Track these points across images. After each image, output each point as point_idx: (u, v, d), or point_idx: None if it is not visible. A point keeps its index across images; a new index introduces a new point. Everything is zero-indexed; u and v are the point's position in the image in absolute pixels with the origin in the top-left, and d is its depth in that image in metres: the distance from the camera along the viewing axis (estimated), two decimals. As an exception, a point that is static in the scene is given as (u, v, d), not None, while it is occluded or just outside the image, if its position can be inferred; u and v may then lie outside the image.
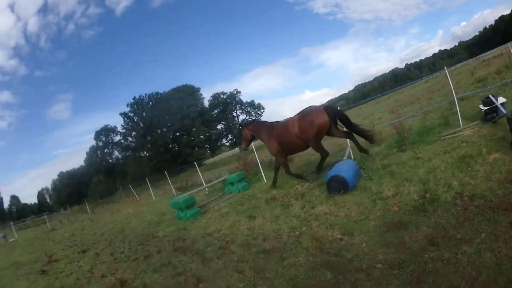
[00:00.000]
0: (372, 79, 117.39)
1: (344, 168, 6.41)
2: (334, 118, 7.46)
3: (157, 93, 58.15)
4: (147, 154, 55.04)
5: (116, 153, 60.32)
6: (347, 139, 8.33)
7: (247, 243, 5.53)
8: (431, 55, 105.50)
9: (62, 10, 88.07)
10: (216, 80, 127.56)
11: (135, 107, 57.05)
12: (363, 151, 7.92)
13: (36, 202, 77.61)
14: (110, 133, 59.12)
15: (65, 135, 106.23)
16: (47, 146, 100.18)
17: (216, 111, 63.11)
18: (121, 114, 57.01)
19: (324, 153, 7.86)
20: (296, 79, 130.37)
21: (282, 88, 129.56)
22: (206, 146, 59.04)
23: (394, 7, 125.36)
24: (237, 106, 64.43)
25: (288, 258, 4.33)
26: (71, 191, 65.47)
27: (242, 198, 9.26)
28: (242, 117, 64.79)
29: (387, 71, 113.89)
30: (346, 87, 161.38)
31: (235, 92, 63.32)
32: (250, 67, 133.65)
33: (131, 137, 57.57)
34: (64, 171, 74.65)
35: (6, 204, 71.06)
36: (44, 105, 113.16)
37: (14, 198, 74.48)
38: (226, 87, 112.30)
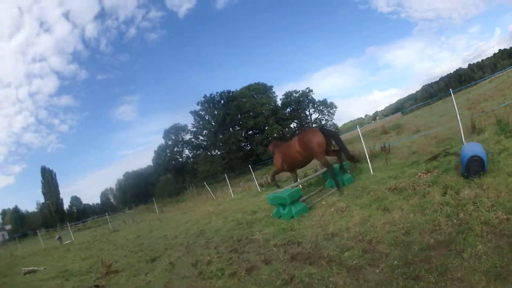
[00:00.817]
0: (438, 79, 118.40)
1: (477, 149, 6.09)
2: (328, 137, 8.90)
3: (228, 91, 58.96)
4: (218, 153, 55.53)
5: (186, 151, 61.68)
6: None
7: (399, 240, 4.55)
8: (492, 54, 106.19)
9: (121, 15, 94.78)
10: (286, 79, 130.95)
11: (206, 106, 57.97)
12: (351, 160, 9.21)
13: (99, 202, 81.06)
14: (180, 132, 60.78)
15: (131, 136, 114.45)
16: (113, 147, 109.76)
17: (288, 109, 62.55)
18: (191, 112, 58.78)
19: (330, 167, 8.80)
20: (364, 78, 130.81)
21: (351, 88, 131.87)
22: (279, 144, 58.06)
23: (453, 5, 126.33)
24: (310, 104, 63.42)
25: (465, 250, 3.72)
26: (137, 191, 68.25)
27: (354, 190, 8.07)
28: (314, 116, 64.03)
29: (452, 71, 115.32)
30: (413, 88, 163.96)
31: (307, 90, 62.58)
32: (319, 67, 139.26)
33: (202, 135, 58.61)
34: (130, 171, 78.20)
35: (66, 205, 70.51)
36: (109, 107, 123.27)
37: (75, 199, 75.75)
38: (296, 86, 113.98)
